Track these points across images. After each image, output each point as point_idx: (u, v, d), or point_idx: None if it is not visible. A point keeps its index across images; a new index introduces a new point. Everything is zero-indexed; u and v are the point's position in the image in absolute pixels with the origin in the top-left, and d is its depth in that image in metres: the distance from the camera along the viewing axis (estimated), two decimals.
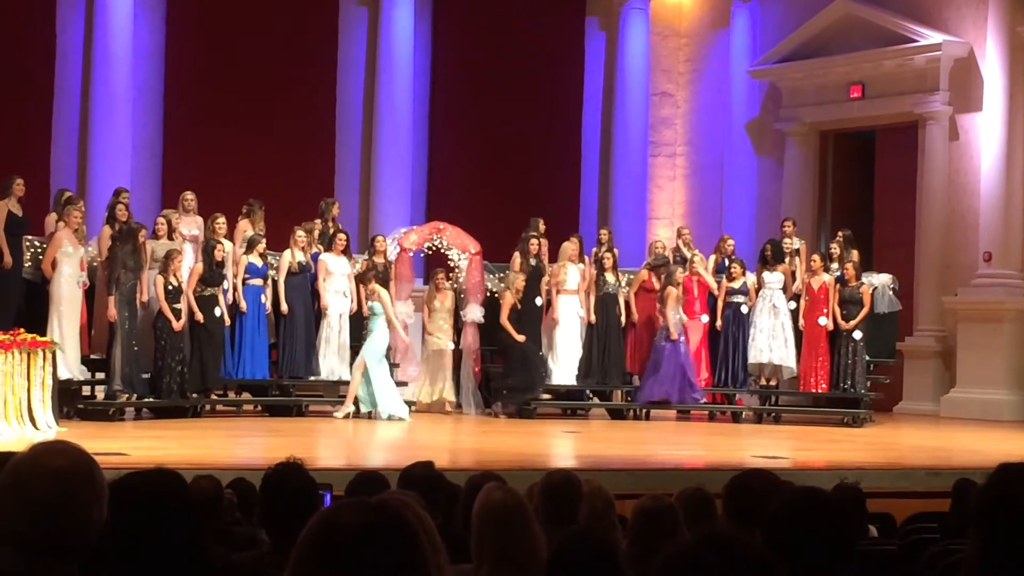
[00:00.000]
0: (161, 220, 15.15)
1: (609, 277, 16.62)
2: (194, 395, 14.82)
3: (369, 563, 2.32)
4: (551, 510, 4.78)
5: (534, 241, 16.65)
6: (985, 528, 3.15)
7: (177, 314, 14.48)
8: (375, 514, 2.36)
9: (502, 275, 17.01)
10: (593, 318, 16.52)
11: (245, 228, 15.71)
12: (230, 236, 15.55)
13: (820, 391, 16.54)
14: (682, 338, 16.29)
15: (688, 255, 17.31)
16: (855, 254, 17.00)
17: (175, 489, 3.52)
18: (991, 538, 3.13)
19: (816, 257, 16.78)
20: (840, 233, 17.43)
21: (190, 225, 15.60)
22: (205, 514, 5.70)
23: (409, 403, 15.70)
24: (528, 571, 4.04)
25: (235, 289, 15.30)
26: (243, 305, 15.29)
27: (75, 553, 2.73)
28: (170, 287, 14.46)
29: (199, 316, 14.73)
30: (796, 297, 16.76)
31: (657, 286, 16.64)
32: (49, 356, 12.41)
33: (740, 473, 4.65)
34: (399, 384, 15.98)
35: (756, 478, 4.57)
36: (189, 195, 15.87)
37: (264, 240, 15.51)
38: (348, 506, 2.40)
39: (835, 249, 17.07)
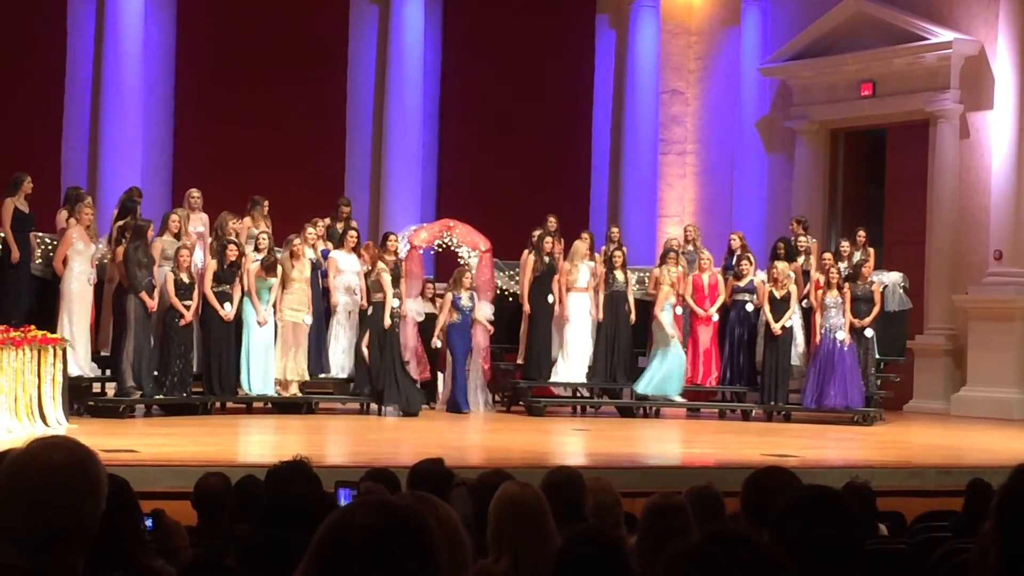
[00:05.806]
0: (175, 217, 15.11)
1: (618, 275, 16.60)
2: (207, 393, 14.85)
3: (381, 564, 2.32)
4: (555, 508, 4.78)
5: (548, 239, 16.63)
6: (1005, 529, 3.14)
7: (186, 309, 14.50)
8: (388, 515, 2.36)
9: (512, 272, 17.00)
10: (601, 316, 16.51)
11: (247, 225, 15.71)
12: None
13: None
14: (839, 340, 16.04)
15: (697, 253, 17.27)
16: (871, 252, 17.02)
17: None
18: (1011, 539, 3.12)
19: (828, 255, 16.71)
20: (859, 233, 17.36)
21: (196, 222, 15.61)
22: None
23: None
24: (546, 564, 4.06)
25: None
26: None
27: (72, 547, 2.73)
28: (180, 283, 14.47)
29: (224, 314, 14.71)
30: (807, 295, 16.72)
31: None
32: (59, 353, 12.43)
33: (758, 470, 4.61)
34: (413, 382, 16.02)
35: (774, 475, 4.55)
36: (195, 192, 15.87)
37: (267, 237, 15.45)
38: (362, 506, 2.40)
39: (845, 248, 17.05)
